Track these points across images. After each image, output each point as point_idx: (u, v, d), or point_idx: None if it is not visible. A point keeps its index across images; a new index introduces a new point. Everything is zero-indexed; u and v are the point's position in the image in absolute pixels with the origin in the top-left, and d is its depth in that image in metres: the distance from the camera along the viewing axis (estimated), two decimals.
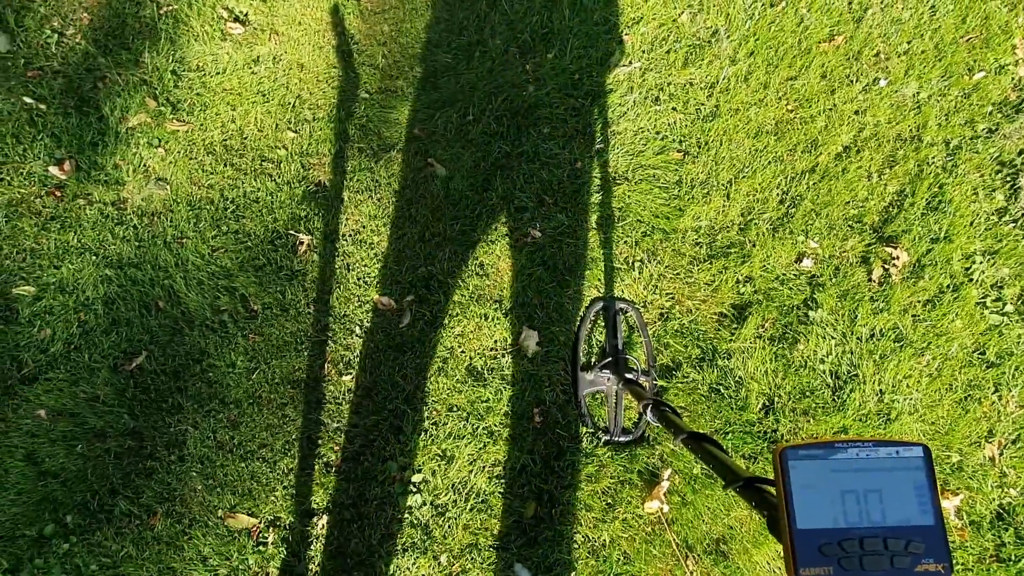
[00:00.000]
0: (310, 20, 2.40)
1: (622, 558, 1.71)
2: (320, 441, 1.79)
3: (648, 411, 1.28)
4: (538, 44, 2.41)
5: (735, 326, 1.98)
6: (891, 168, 2.21)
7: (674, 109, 2.31)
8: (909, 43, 2.43)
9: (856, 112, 2.32)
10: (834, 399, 1.88)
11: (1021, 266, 2.07)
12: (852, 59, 2.41)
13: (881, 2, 2.52)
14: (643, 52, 2.41)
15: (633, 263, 2.04)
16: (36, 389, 1.78)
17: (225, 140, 2.15)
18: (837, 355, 1.94)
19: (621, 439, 1.82)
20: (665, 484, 1.77)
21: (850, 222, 2.14)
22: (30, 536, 1.64)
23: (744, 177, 2.18)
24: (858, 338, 1.96)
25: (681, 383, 1.90)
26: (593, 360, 1.91)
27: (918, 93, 2.35)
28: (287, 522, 1.71)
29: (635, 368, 1.85)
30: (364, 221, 2.07)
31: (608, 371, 1.82)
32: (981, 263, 2.09)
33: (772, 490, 0.73)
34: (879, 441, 0.63)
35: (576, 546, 1.73)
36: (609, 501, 1.76)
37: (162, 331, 1.88)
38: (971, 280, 2.06)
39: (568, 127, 2.27)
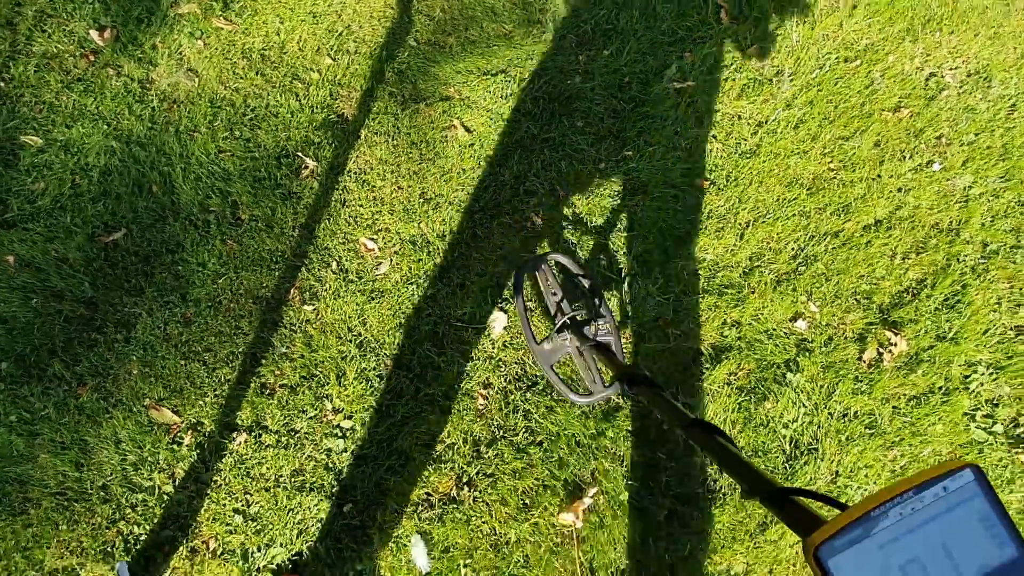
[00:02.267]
0: None
1: (522, 560, 1.67)
2: (264, 362, 1.79)
3: (622, 386, 1.15)
4: (598, 38, 2.38)
5: (708, 366, 1.92)
6: (918, 254, 2.12)
7: (714, 137, 2.25)
8: (976, 135, 2.33)
9: (899, 189, 2.23)
10: (786, 466, 1.81)
11: (1023, 391, 1.97)
12: (912, 135, 2.32)
13: (960, 86, 2.42)
14: (701, 73, 2.35)
15: (625, 275, 1.99)
16: (12, 235, 1.81)
17: (264, 49, 2.17)
18: (803, 424, 1.87)
19: (609, 392, 1.67)
20: (588, 501, 1.73)
21: (859, 296, 2.06)
22: None
23: (764, 222, 2.12)
24: (830, 413, 1.88)
25: (636, 405, 1.85)
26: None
27: (970, 187, 2.25)
28: (208, 430, 1.72)
29: (590, 319, 1.70)
30: (373, 163, 2.06)
31: (562, 333, 1.69)
32: (983, 375, 1.99)
33: (813, 504, 0.63)
34: (919, 485, 0.51)
35: (481, 536, 1.69)
36: (527, 501, 1.73)
37: (147, 214, 1.90)
38: (967, 389, 1.96)
39: (603, 127, 2.23)
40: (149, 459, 1.67)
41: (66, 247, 1.83)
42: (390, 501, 1.71)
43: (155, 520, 1.63)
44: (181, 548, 1.61)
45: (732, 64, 2.38)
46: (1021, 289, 2.11)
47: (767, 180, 2.20)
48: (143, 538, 1.61)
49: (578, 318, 1.69)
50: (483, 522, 1.71)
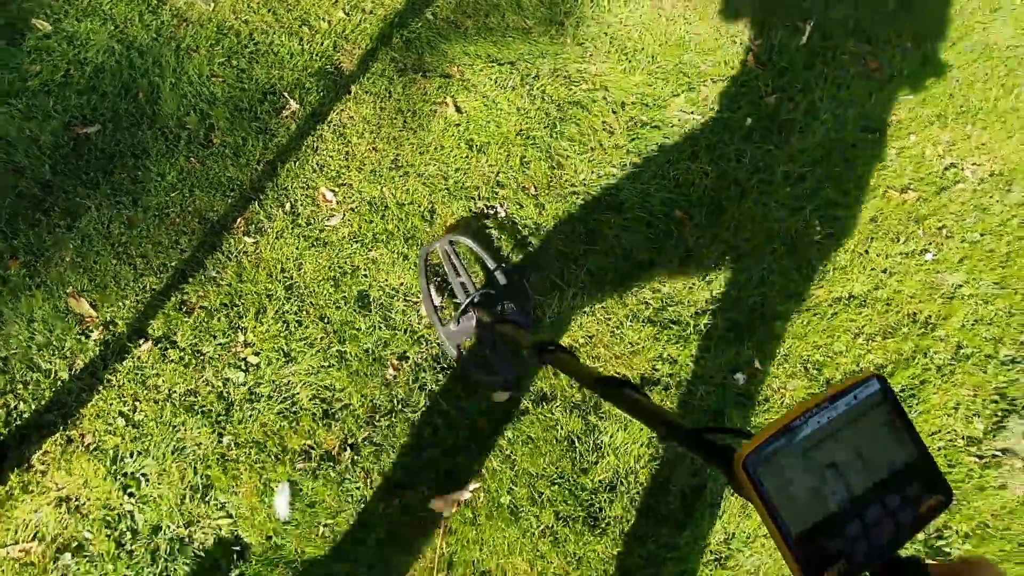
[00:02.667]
0: None
1: (383, 535, 1.70)
2: (191, 280, 1.87)
3: (535, 357, 1.19)
4: (614, 52, 2.42)
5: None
6: (884, 338, 2.09)
7: (706, 173, 2.27)
8: (982, 235, 2.29)
9: (884, 270, 2.21)
10: (680, 507, 1.79)
11: (956, 503, 1.92)
12: (913, 220, 2.30)
13: (978, 183, 2.39)
14: (711, 109, 2.38)
15: (572, 284, 2.01)
16: None
17: None
18: (710, 475, 1.85)
19: (516, 372, 1.80)
20: (466, 495, 1.75)
21: (809, 365, 2.04)
22: None
23: (732, 268, 2.12)
24: None
25: (543, 416, 1.86)
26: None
27: (960, 286, 2.21)
28: (118, 330, 1.80)
29: (497, 298, 1.80)
30: (355, 119, 2.14)
31: (467, 314, 1.77)
32: None
33: (726, 439, 0.70)
34: (833, 395, 0.58)
35: (350, 501, 1.72)
36: (405, 478, 1.76)
37: (126, 116, 2.02)
38: None
39: (594, 139, 2.27)
40: (55, 344, 1.76)
41: (40, 129, 1.95)
42: (271, 443, 1.75)
43: (43, 402, 1.72)
44: (58, 435, 1.69)
45: (745, 107, 2.40)
46: (984, 401, 2.06)
47: (748, 227, 2.21)
48: (26, 416, 1.70)
49: (483, 298, 1.78)
50: (356, 488, 1.74)
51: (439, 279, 2.00)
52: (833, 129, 2.42)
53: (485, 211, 2.11)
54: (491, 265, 1.92)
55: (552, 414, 1.89)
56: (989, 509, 1.94)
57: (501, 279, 1.91)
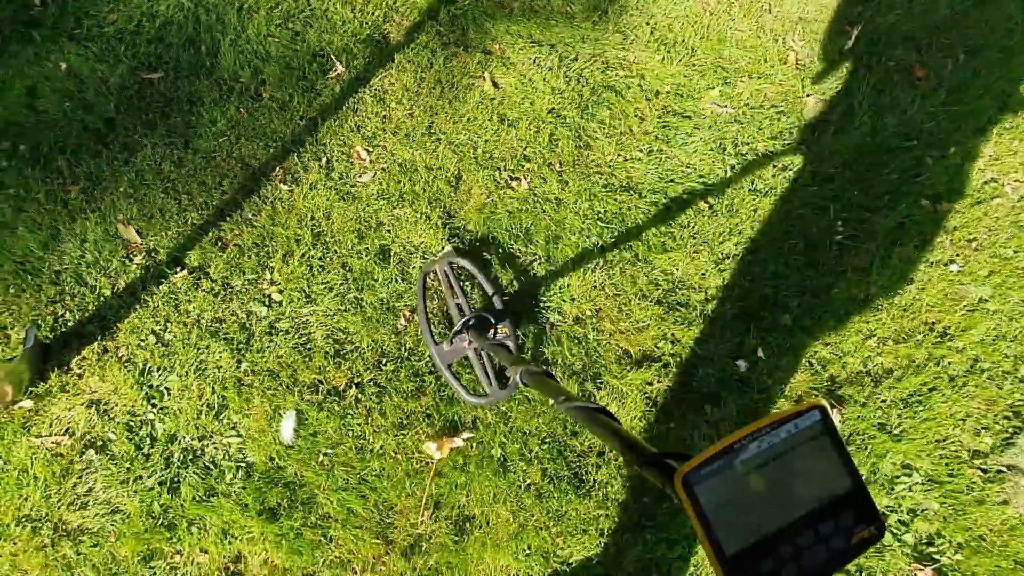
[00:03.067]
0: None
1: (377, 470, 1.81)
2: (228, 219, 2.03)
3: (520, 378, 1.22)
4: (653, 43, 2.48)
5: (630, 368, 1.98)
6: (897, 343, 2.09)
7: (732, 167, 2.30)
8: (1015, 251, 2.25)
9: (905, 276, 2.21)
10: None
11: (953, 513, 1.90)
12: (942, 229, 2.30)
13: (1018, 200, 2.35)
14: (745, 104, 2.41)
15: (585, 261, 2.08)
16: (73, 48, 2.16)
17: None
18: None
19: (502, 395, 1.85)
20: (459, 442, 1.85)
21: (814, 360, 2.06)
22: None
23: (747, 260, 2.16)
24: None
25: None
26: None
27: (985, 300, 2.19)
28: (158, 258, 1.97)
29: (491, 321, 1.82)
30: (396, 86, 2.27)
31: (462, 335, 1.82)
32: (915, 481, 1.94)
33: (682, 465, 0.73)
34: (775, 421, 0.60)
35: (350, 436, 1.84)
36: (404, 421, 1.87)
37: (187, 66, 2.20)
38: (891, 488, 1.92)
39: (624, 123, 2.34)
40: (102, 264, 1.94)
41: (110, 71, 2.15)
42: (284, 374, 1.89)
43: (86, 314, 1.89)
44: (96, 344, 1.86)
45: (779, 105, 2.43)
46: (995, 416, 2.04)
47: (768, 222, 2.23)
48: (70, 324, 1.88)
49: (477, 321, 1.80)
50: (357, 423, 1.86)
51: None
52: (869, 133, 2.42)
53: (508, 183, 2.20)
54: (489, 290, 1.98)
55: (536, 389, 1.97)
56: (987, 523, 1.92)
57: (498, 304, 1.97)
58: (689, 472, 0.58)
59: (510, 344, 1.93)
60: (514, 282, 2.07)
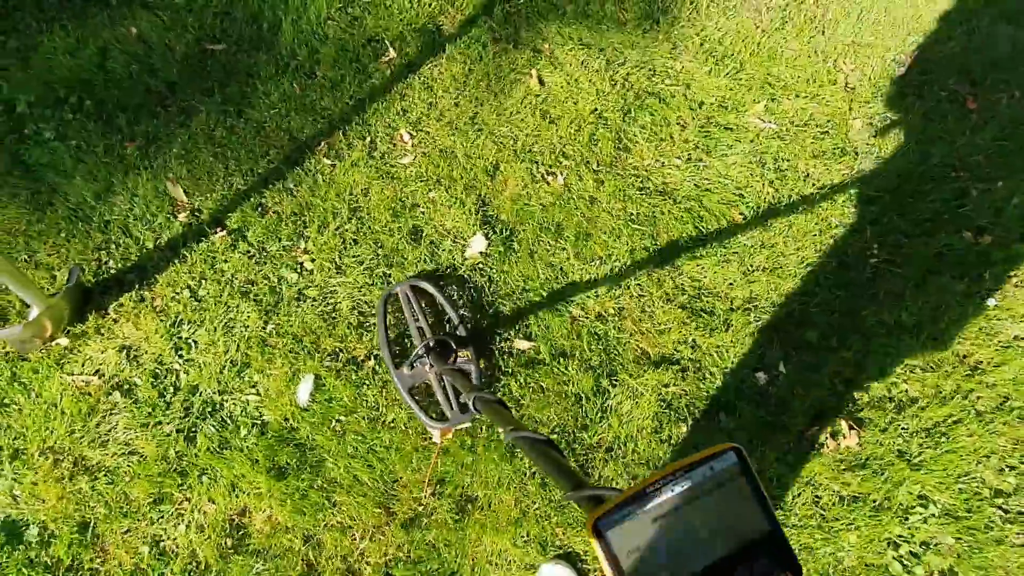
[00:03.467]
0: None
1: (387, 442, 1.84)
2: (270, 188, 2.11)
3: (473, 404, 1.22)
4: (703, 55, 2.50)
5: (648, 368, 1.98)
6: (924, 372, 2.06)
7: (771, 183, 2.30)
8: None
9: (939, 305, 2.17)
10: None
11: (968, 550, 1.84)
12: (983, 262, 2.27)
13: None
14: (789, 121, 2.41)
15: (613, 261, 2.10)
16: (144, 15, 2.29)
17: None
18: None
19: (464, 419, 1.85)
20: (467, 422, 1.86)
21: (837, 379, 2.03)
22: (55, 96, 2.13)
23: (777, 274, 2.16)
24: None
25: (559, 370, 1.95)
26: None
27: (1022, 338, 2.13)
28: (201, 218, 2.06)
29: (452, 346, 1.82)
30: (445, 76, 2.34)
31: (423, 359, 1.81)
32: (931, 514, 1.89)
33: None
34: (689, 465, 0.59)
35: (363, 405, 1.88)
36: (417, 398, 1.89)
37: (248, 41, 2.30)
38: (904, 517, 1.88)
39: (666, 130, 2.36)
40: (149, 217, 2.04)
41: (177, 39, 2.26)
42: (307, 339, 1.94)
43: (128, 264, 1.99)
44: (134, 292, 1.95)
45: (824, 125, 2.42)
46: (1021, 456, 1.97)
47: (802, 240, 2.22)
48: (112, 271, 1.97)
49: (437, 345, 1.80)
50: (372, 394, 1.90)
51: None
52: (915, 161, 2.39)
53: (544, 177, 2.24)
54: (452, 315, 1.98)
55: (567, 370, 1.98)
56: (1004, 563, 1.86)
57: (461, 331, 1.97)
58: (600, 517, 0.57)
59: (471, 369, 1.92)
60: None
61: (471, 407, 1.21)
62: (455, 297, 2.05)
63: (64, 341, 1.88)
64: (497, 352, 2.00)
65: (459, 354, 1.86)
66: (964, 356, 2.11)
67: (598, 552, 0.57)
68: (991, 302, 2.18)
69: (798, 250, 2.21)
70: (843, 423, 1.97)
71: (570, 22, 2.53)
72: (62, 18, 2.25)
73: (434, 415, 1.88)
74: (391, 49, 2.37)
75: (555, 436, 1.91)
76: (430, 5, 2.47)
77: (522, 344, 2.02)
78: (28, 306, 1.79)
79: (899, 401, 2.03)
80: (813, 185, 2.33)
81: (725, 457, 0.59)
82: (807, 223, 2.25)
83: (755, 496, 0.58)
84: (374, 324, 1.99)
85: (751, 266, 2.18)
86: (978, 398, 2.04)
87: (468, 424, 1.89)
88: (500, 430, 1.04)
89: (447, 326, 2.00)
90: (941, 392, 2.04)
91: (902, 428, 1.98)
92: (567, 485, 0.77)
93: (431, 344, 1.77)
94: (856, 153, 2.40)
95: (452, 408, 1.85)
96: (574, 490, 0.74)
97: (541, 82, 2.40)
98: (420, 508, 1.83)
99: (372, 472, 1.84)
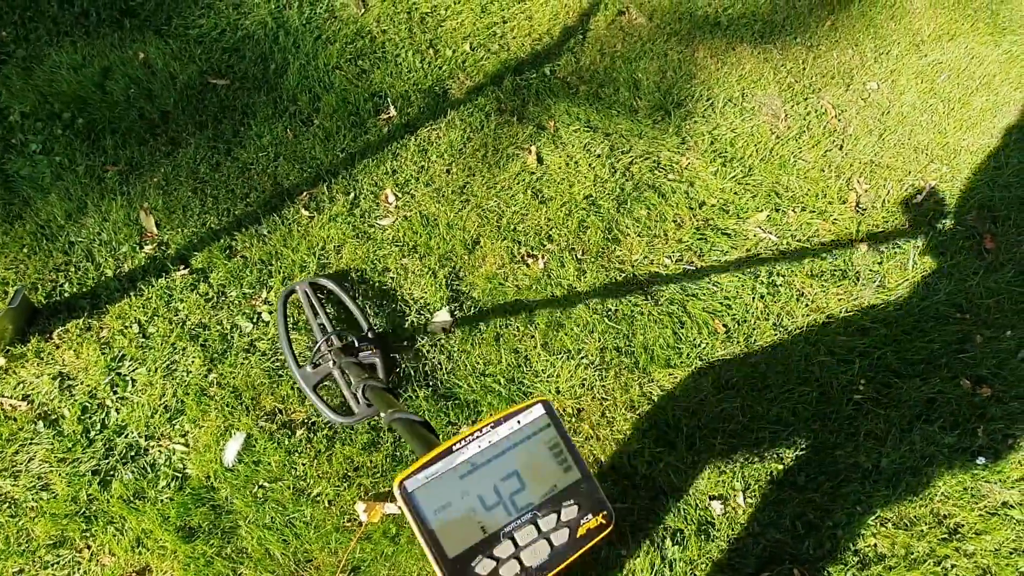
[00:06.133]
0: None
1: (308, 517, 1.77)
2: (243, 231, 2.10)
3: (361, 393, 1.27)
4: (710, 154, 2.44)
5: (596, 478, 1.86)
6: (898, 528, 1.92)
7: (761, 296, 2.22)
8: None
9: (923, 455, 2.04)
10: None
11: None
12: (976, 415, 2.15)
13: None
14: (791, 235, 2.34)
15: (580, 357, 2.02)
16: (155, 41, 2.32)
17: (426, 14, 2.59)
18: None
19: (369, 413, 1.81)
20: (394, 509, 1.77)
21: (797, 522, 1.90)
22: (49, 110, 2.14)
23: (751, 395, 2.07)
24: None
25: None
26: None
27: (1010, 507, 2.00)
28: (168, 253, 2.05)
29: (354, 343, 1.85)
30: (441, 141, 2.35)
31: (325, 356, 1.82)
32: None
33: None
34: (497, 420, 0.61)
35: (290, 474, 1.81)
36: (349, 472, 1.85)
37: (252, 81, 2.32)
38: None
39: (660, 227, 2.31)
40: (114, 245, 2.02)
41: (181, 69, 2.28)
42: (247, 395, 1.89)
43: (83, 289, 1.97)
44: (82, 319, 1.92)
45: (828, 244, 2.34)
46: None
47: (784, 360, 2.13)
48: (66, 295, 1.95)
49: (339, 340, 1.84)
50: (302, 463, 1.83)
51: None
52: (919, 294, 2.28)
53: (524, 258, 2.18)
54: (355, 312, 1.98)
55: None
56: None
57: (363, 324, 1.96)
58: (406, 478, 0.58)
59: (377, 363, 1.89)
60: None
61: (359, 395, 1.25)
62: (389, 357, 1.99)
63: (1, 361, 1.85)
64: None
65: (363, 349, 1.87)
66: (943, 516, 1.96)
67: (405, 513, 0.57)
68: (981, 460, 2.04)
69: (779, 373, 2.11)
70: (797, 573, 1.84)
71: (580, 102, 2.50)
72: (74, 34, 2.28)
73: (340, 411, 1.85)
74: (392, 107, 2.36)
75: None
76: (440, 68, 2.46)
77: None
78: None
79: (864, 556, 1.89)
80: (806, 306, 2.24)
81: (533, 411, 0.61)
82: (792, 345, 2.15)
83: (565, 445, 0.60)
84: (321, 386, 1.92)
85: (726, 382, 2.08)
86: (953, 566, 1.90)
87: (373, 418, 1.85)
88: (381, 414, 1.05)
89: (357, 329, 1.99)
90: (912, 553, 1.90)
91: None
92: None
93: (331, 339, 1.81)
94: (857, 278, 2.30)
95: (359, 403, 1.79)
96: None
97: (540, 160, 2.36)
98: None
99: (286, 547, 1.75)
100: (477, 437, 0.60)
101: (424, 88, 2.41)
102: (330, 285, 2.02)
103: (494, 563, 0.57)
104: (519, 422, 0.61)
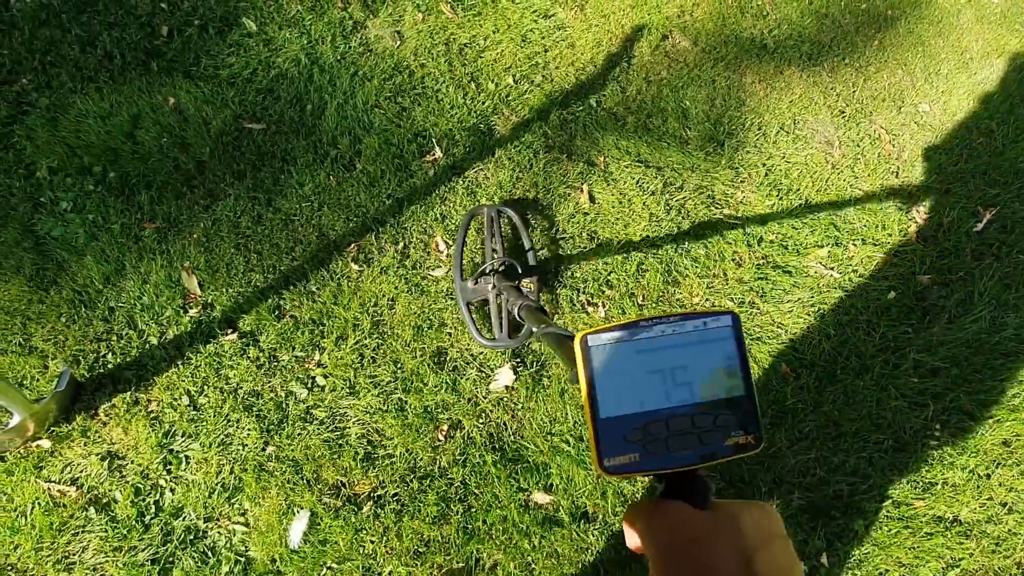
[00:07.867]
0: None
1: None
2: (291, 288, 1.99)
3: (518, 311, 1.44)
4: (766, 187, 2.36)
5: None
6: (985, 562, 1.85)
7: (827, 336, 2.14)
8: None
9: (1003, 503, 1.98)
10: None
11: None
12: None
13: None
14: (853, 270, 2.26)
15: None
16: (185, 85, 2.19)
17: (465, 46, 2.44)
18: None
19: (510, 343, 1.91)
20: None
21: (881, 569, 1.83)
22: (79, 164, 2.02)
23: (826, 445, 2.00)
24: None
25: (578, 534, 1.78)
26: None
27: None
28: (213, 315, 1.93)
29: (518, 270, 1.97)
30: (490, 182, 2.25)
31: (487, 277, 1.94)
32: None
33: None
34: (687, 314, 0.62)
35: (359, 553, 1.72)
36: (420, 548, 1.74)
37: (288, 123, 2.19)
38: None
39: (719, 266, 2.23)
40: (156, 309, 1.91)
41: (215, 114, 2.16)
42: (308, 468, 1.79)
43: (127, 359, 1.85)
44: (129, 393, 1.82)
45: (891, 279, 2.26)
46: None
47: (857, 407, 2.05)
48: (109, 366, 1.84)
49: (504, 267, 1.99)
50: (371, 540, 1.74)
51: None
52: (986, 331, 2.21)
53: (585, 307, 2.09)
54: (527, 244, 2.10)
55: (587, 536, 1.81)
56: None
57: (531, 259, 2.09)
58: (589, 333, 0.60)
59: (533, 289, 2.05)
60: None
61: (516, 314, 1.44)
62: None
63: (46, 443, 1.74)
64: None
65: (523, 283, 2.01)
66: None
67: (578, 367, 0.60)
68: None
69: (852, 420, 2.04)
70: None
71: (629, 135, 2.40)
72: (99, 79, 2.15)
73: (485, 335, 1.95)
74: (437, 147, 2.25)
75: None
76: (484, 103, 2.35)
77: (540, 497, 1.85)
78: (10, 412, 1.65)
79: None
80: (874, 346, 2.16)
81: (721, 319, 0.61)
82: (865, 390, 2.08)
83: (740, 360, 0.60)
84: (381, 458, 1.83)
85: (799, 433, 2.01)
86: None
87: (515, 347, 1.99)
88: (534, 329, 1.18)
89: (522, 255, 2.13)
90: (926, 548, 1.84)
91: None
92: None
93: (500, 267, 1.95)
94: (924, 314, 2.23)
95: (501, 331, 1.91)
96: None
97: (592, 199, 2.27)
98: None
99: None
100: (663, 323, 0.60)
101: (468, 126, 2.30)
102: (513, 215, 2.13)
103: (644, 436, 0.58)
104: (705, 324, 0.61)
